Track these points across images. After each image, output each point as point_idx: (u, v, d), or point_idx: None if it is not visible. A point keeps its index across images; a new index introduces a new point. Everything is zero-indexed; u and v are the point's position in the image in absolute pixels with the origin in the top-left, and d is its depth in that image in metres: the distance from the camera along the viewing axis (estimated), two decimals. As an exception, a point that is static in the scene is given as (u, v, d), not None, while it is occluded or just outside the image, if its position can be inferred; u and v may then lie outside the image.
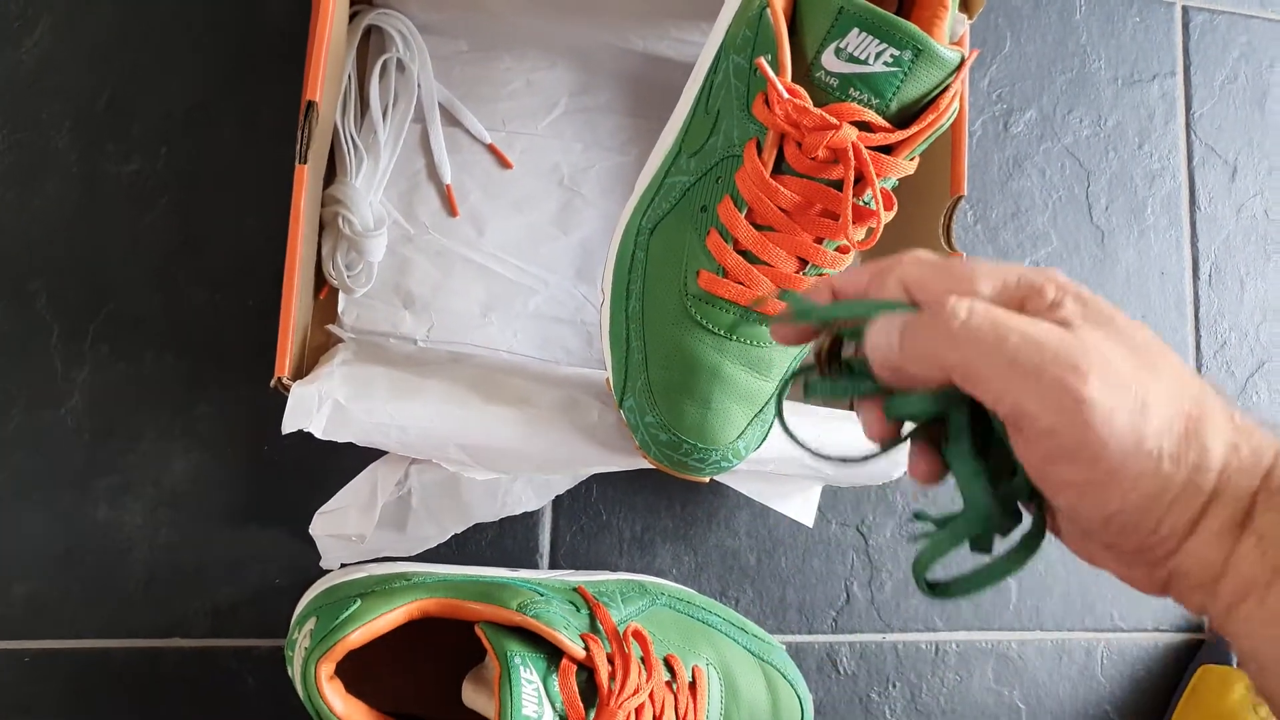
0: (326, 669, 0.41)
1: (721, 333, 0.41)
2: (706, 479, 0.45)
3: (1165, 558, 0.26)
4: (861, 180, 0.38)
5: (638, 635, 0.44)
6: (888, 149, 0.38)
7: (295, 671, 0.43)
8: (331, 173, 0.52)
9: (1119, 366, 0.24)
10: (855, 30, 0.36)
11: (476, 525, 0.51)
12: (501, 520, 0.51)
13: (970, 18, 0.46)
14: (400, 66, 0.53)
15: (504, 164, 0.55)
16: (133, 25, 0.51)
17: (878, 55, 0.36)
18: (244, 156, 0.52)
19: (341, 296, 0.52)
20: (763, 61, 0.36)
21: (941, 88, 0.37)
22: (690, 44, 0.53)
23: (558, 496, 0.52)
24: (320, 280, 0.52)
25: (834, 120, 0.36)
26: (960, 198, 0.48)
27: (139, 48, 0.51)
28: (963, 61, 0.36)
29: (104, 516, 0.49)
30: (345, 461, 0.49)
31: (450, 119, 0.55)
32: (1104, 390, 0.23)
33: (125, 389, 0.50)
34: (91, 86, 0.50)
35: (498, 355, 0.54)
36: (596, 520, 0.54)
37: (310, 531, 0.49)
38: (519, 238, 0.55)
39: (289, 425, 0.40)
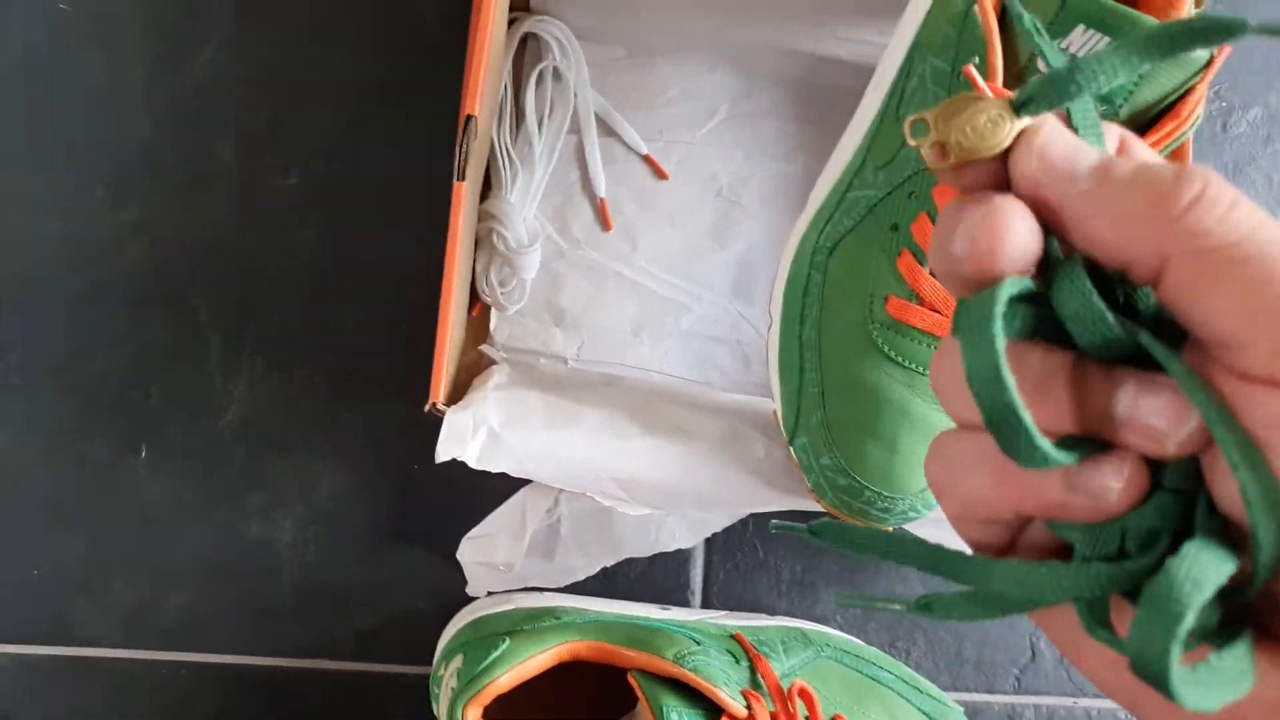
0: (474, 713, 0.39)
1: (912, 366, 0.36)
2: (890, 529, 0.41)
3: None
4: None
5: (804, 694, 0.40)
6: (1113, 162, 0.33)
7: (441, 711, 0.41)
8: (486, 186, 0.50)
9: None
10: (1081, 27, 0.31)
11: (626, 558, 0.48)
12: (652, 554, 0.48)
13: (1198, 6, 0.41)
14: (557, 75, 0.51)
15: (660, 175, 0.52)
16: (294, 42, 0.50)
17: (1106, 55, 0.31)
18: (399, 170, 0.50)
19: (494, 313, 0.50)
20: (971, 69, 0.31)
21: (1183, 91, 0.32)
22: (864, 44, 0.49)
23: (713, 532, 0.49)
24: (474, 297, 0.50)
25: (1052, 130, 0.32)
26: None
27: (300, 64, 0.50)
28: (1211, 60, 0.31)
29: (255, 532, 0.49)
30: (495, 483, 0.47)
31: (606, 129, 0.52)
32: None
33: (278, 403, 0.49)
34: (254, 102, 0.50)
35: (649, 376, 0.51)
36: (753, 558, 0.50)
37: (458, 557, 0.48)
38: (673, 251, 0.52)
39: (443, 454, 0.38)
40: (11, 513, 0.48)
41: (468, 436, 0.39)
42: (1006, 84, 0.33)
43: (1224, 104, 0.54)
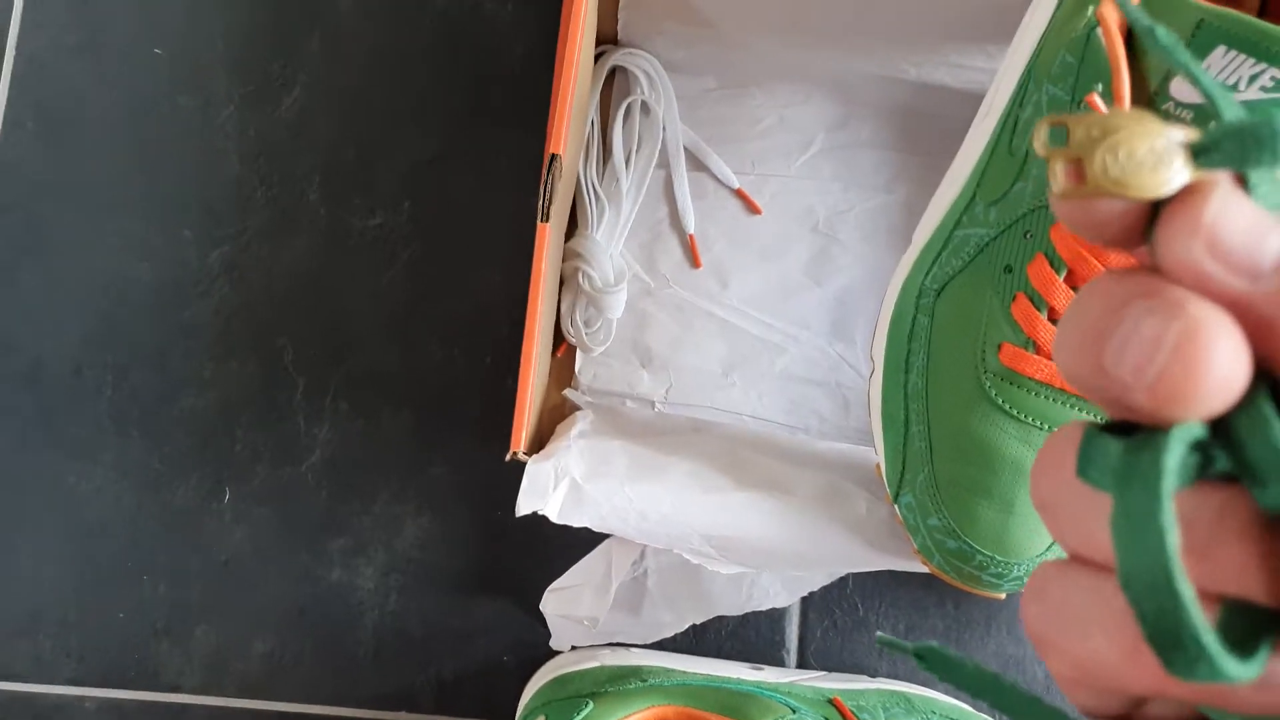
0: (556, 781, 0.37)
1: (1028, 420, 0.33)
2: (1003, 595, 0.37)
3: None
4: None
5: (909, 771, 0.37)
6: (1261, 196, 0.30)
7: (522, 775, 0.39)
8: (571, 224, 0.49)
9: None
10: (1222, 48, 0.28)
11: (716, 612, 0.46)
12: (744, 609, 0.46)
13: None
14: (645, 109, 0.50)
15: (752, 209, 0.50)
16: (378, 80, 0.50)
17: (1252, 79, 0.28)
18: (483, 208, 0.50)
19: (579, 354, 0.49)
20: (1095, 98, 0.28)
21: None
22: (973, 69, 0.46)
23: (809, 586, 0.46)
24: (559, 337, 0.49)
25: (1191, 163, 0.29)
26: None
27: (384, 102, 0.50)
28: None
29: (338, 578, 0.48)
30: (582, 531, 0.45)
31: (695, 163, 0.50)
32: None
33: (362, 447, 0.48)
34: (341, 141, 0.50)
35: (741, 422, 0.48)
36: (853, 615, 0.47)
37: (541, 609, 0.46)
38: (766, 289, 0.50)
39: (524, 507, 0.37)
40: (98, 556, 0.48)
41: (549, 489, 0.37)
42: (1137, 112, 0.30)
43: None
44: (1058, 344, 0.16)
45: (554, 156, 0.39)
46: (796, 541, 0.37)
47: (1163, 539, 0.14)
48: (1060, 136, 0.16)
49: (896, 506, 0.37)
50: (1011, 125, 0.34)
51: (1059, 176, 0.16)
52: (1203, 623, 0.14)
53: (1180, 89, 0.29)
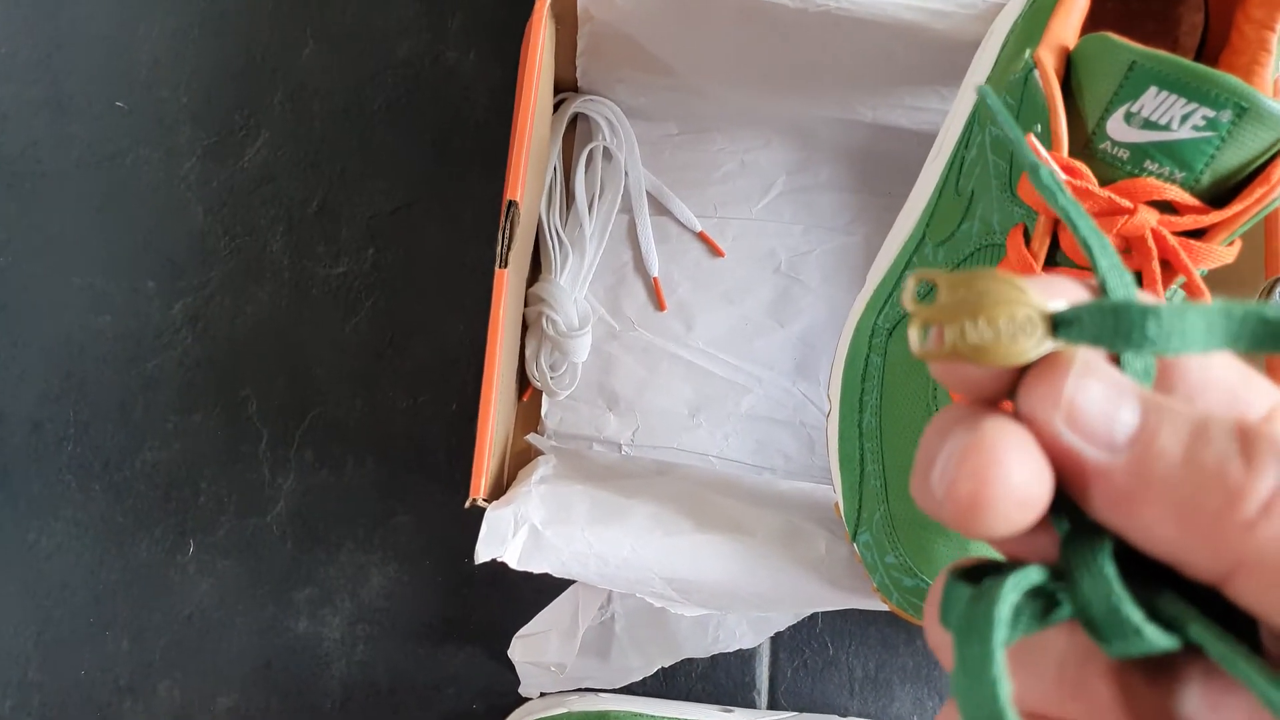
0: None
1: (980, 459, 0.33)
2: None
3: None
4: (1166, 270, 0.30)
5: (877, 817, 0.37)
6: (1198, 233, 0.30)
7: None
8: (536, 269, 0.49)
9: None
10: (1153, 89, 0.29)
11: (686, 656, 0.46)
12: (714, 651, 0.46)
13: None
14: (607, 155, 0.50)
15: (715, 252, 0.51)
16: (341, 131, 0.51)
17: (1184, 118, 0.29)
18: (447, 256, 0.50)
19: (545, 399, 0.49)
20: (1033, 138, 0.29)
21: (1272, 153, 0.29)
22: (927, 111, 0.47)
23: (778, 626, 0.46)
24: (524, 382, 0.49)
25: (1125, 203, 0.29)
26: (1278, 280, 0.38)
27: (348, 152, 0.50)
28: (1305, 120, 0.28)
29: (304, 629, 0.47)
30: (548, 577, 0.45)
31: (658, 207, 0.51)
32: None
33: (327, 497, 0.48)
34: (304, 191, 0.50)
35: (708, 463, 0.49)
36: (822, 655, 0.47)
37: (509, 655, 0.46)
38: (730, 331, 0.50)
39: (483, 554, 0.37)
40: (58, 613, 0.47)
41: (509, 535, 0.37)
42: (1072, 153, 0.30)
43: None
44: (911, 482, 0.16)
45: (511, 203, 0.39)
46: (757, 582, 0.37)
47: (995, 690, 0.14)
48: (927, 293, 0.15)
49: (855, 545, 0.37)
50: (958, 167, 0.35)
51: (916, 337, 0.15)
52: None
53: (1118, 128, 0.30)
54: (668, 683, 0.47)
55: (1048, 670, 0.16)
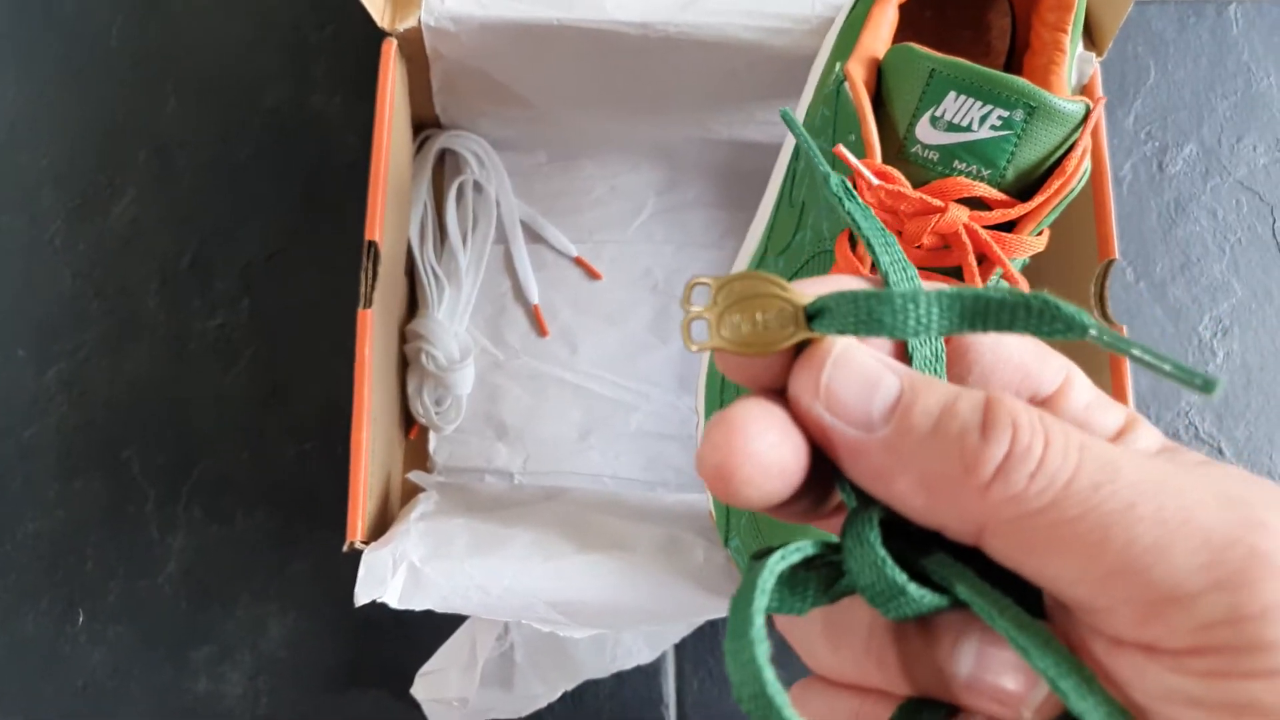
0: None
1: (831, 458, 0.35)
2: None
3: None
4: (985, 263, 0.32)
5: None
6: (1009, 225, 0.32)
7: None
8: (414, 306, 0.49)
9: None
10: (953, 94, 0.30)
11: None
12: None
13: (1099, 54, 0.40)
14: (478, 188, 0.51)
15: (593, 275, 0.51)
16: (210, 183, 0.50)
17: (983, 119, 0.30)
18: (324, 300, 0.50)
19: (432, 435, 0.49)
20: (841, 148, 0.30)
21: (1067, 146, 0.31)
22: (779, 125, 0.48)
23: (680, 640, 0.46)
24: (410, 420, 0.49)
25: (937, 202, 0.31)
26: (1112, 261, 0.40)
27: (218, 203, 0.50)
28: (1088, 113, 0.30)
29: (204, 689, 0.47)
30: (448, 615, 0.45)
31: (533, 235, 0.52)
32: None
33: (219, 552, 0.48)
34: (176, 246, 0.50)
35: (601, 484, 0.49)
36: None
37: (413, 694, 0.46)
38: (614, 352, 0.51)
39: (362, 596, 0.37)
40: (-56, 695, 0.46)
41: (388, 575, 0.37)
42: (888, 157, 0.32)
43: (1157, 144, 0.53)
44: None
45: (371, 243, 0.40)
46: (639, 598, 0.38)
47: (753, 651, 0.14)
48: (703, 294, 0.17)
49: (728, 550, 0.38)
50: (790, 179, 0.36)
51: (688, 334, 0.17)
52: None
53: (925, 132, 0.31)
54: (577, 706, 0.47)
55: (857, 642, 0.17)
